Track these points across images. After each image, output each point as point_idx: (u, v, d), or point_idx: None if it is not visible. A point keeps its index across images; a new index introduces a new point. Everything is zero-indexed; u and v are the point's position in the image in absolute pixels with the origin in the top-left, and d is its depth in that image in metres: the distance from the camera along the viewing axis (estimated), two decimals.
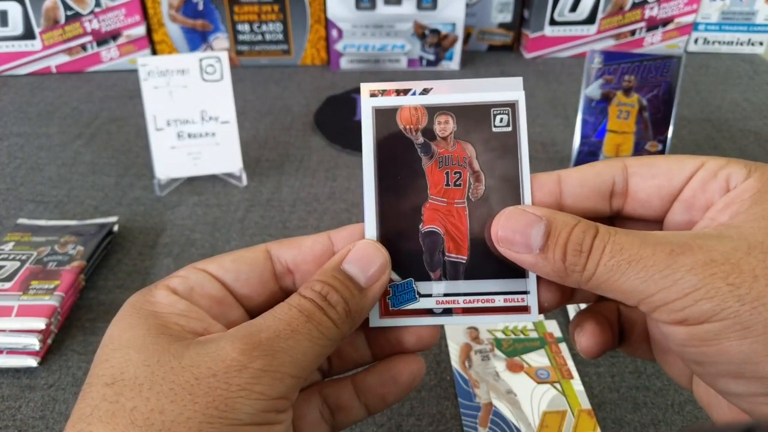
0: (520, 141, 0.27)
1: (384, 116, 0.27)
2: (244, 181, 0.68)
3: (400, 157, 0.27)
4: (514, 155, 0.27)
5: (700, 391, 0.27)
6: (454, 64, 0.95)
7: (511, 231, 0.25)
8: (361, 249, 0.26)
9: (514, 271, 0.27)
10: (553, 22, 0.96)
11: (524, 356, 0.47)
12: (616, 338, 0.29)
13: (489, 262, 0.27)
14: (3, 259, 0.52)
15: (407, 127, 0.27)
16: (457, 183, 0.27)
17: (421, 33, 0.92)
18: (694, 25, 0.99)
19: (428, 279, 0.27)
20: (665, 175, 0.26)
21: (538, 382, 0.45)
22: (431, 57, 0.95)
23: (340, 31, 0.92)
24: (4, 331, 0.46)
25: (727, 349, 0.21)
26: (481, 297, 0.27)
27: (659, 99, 0.63)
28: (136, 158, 0.72)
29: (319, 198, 0.66)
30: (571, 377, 0.46)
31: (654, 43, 1.00)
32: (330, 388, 0.29)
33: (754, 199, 0.23)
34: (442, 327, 0.50)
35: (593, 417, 0.43)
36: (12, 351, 0.46)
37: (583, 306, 0.31)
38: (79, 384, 0.46)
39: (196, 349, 0.22)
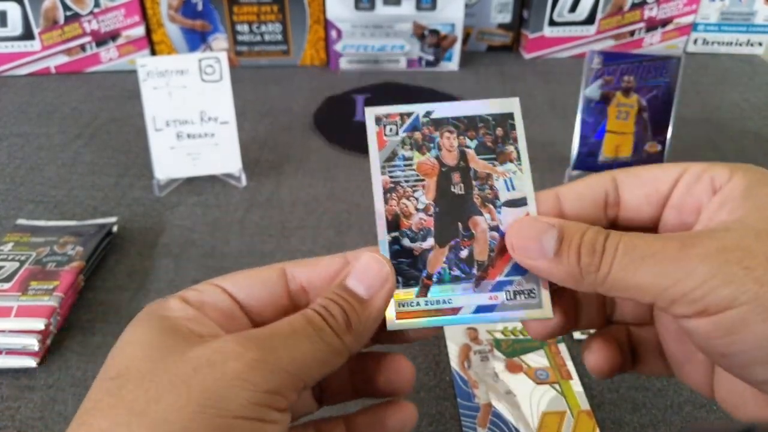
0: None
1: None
2: (244, 181, 0.68)
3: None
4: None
5: (723, 394, 0.27)
6: (453, 65, 0.95)
7: (525, 238, 0.26)
8: (362, 263, 0.27)
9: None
10: (552, 23, 0.96)
11: (523, 357, 0.47)
12: (628, 360, 0.30)
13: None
14: (2, 260, 0.52)
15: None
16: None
17: (421, 33, 0.92)
18: (694, 26, 0.99)
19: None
20: (651, 184, 0.27)
21: (538, 383, 0.45)
22: (430, 57, 0.95)
23: (339, 32, 0.92)
24: (3, 331, 0.46)
25: (754, 334, 0.21)
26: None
27: (658, 99, 0.63)
28: (135, 158, 0.72)
29: (318, 198, 0.66)
30: (571, 378, 0.46)
31: (653, 44, 1.01)
32: (324, 424, 0.30)
33: (745, 194, 0.24)
34: (441, 327, 0.50)
35: (592, 418, 0.43)
36: (11, 351, 0.46)
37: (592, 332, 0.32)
38: (78, 384, 0.46)
39: (200, 345, 0.23)
